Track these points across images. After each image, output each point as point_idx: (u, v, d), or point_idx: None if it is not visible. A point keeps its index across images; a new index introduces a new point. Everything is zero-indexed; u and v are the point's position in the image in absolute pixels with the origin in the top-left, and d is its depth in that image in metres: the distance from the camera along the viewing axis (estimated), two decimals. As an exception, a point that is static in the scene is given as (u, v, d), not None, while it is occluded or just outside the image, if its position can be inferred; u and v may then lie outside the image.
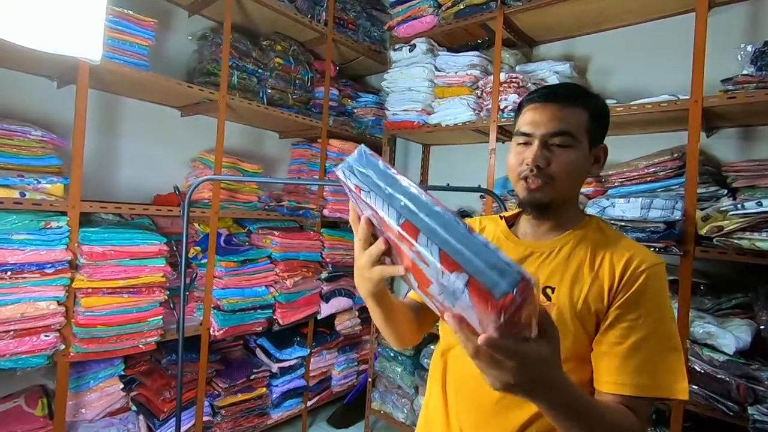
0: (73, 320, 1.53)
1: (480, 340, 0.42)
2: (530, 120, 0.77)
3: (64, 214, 1.51)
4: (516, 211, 0.91)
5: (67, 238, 1.50)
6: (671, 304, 0.72)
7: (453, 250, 0.42)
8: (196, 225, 2.13)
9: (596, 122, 0.78)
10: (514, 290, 0.39)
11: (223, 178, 1.92)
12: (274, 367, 2.25)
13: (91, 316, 1.54)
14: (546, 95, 0.78)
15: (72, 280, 1.51)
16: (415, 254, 0.47)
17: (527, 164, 0.75)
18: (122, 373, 1.84)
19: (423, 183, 2.73)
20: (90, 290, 1.55)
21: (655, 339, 0.67)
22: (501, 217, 0.90)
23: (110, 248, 1.58)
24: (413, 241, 0.46)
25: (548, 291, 0.75)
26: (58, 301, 1.48)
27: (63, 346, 1.49)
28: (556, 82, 1.91)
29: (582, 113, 0.76)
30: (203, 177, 1.67)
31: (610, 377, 0.67)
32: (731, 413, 1.32)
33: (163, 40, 2.12)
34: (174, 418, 1.73)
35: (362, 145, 0.57)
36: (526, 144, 0.77)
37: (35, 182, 1.45)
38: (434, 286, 0.47)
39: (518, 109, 0.83)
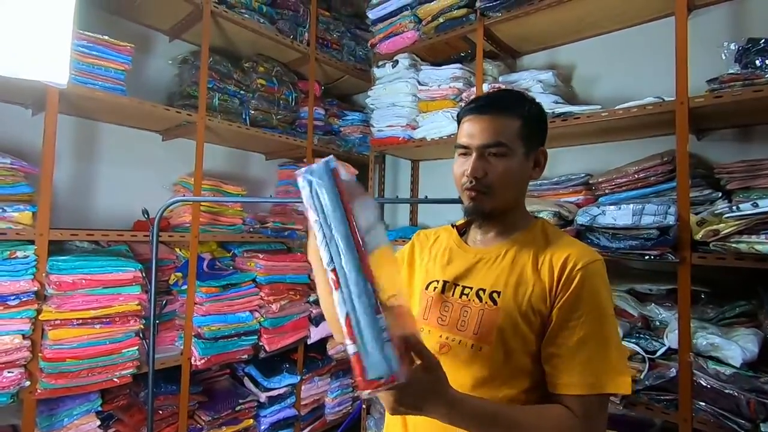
0: (40, 354, 1.45)
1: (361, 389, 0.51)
2: (467, 132, 0.80)
3: (32, 243, 1.45)
4: (467, 219, 0.92)
5: (34, 267, 1.43)
6: (611, 301, 0.74)
7: (356, 323, 0.48)
8: (177, 250, 2.06)
9: (530, 128, 0.80)
10: (382, 380, 0.48)
11: (191, 200, 1.86)
12: (262, 397, 2.14)
13: (59, 350, 1.46)
14: (480, 107, 0.80)
15: (39, 311, 1.44)
16: (332, 282, 0.51)
17: (467, 176, 0.78)
18: (99, 408, 1.74)
19: (414, 197, 2.67)
20: (58, 322, 1.47)
21: (596, 337, 0.70)
22: (453, 226, 0.94)
23: (81, 277, 1.51)
24: (333, 288, 0.50)
25: (494, 295, 0.77)
26: (23, 335, 1.40)
27: (29, 383, 1.41)
28: (540, 91, 1.88)
29: (515, 121, 0.78)
30: (171, 200, 1.61)
31: (558, 379, 0.70)
32: (743, 431, 1.22)
33: (145, 65, 2.11)
34: (152, 456, 1.63)
35: (332, 156, 0.55)
36: (466, 155, 0.80)
37: (1, 211, 1.40)
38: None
39: (458, 121, 0.86)
